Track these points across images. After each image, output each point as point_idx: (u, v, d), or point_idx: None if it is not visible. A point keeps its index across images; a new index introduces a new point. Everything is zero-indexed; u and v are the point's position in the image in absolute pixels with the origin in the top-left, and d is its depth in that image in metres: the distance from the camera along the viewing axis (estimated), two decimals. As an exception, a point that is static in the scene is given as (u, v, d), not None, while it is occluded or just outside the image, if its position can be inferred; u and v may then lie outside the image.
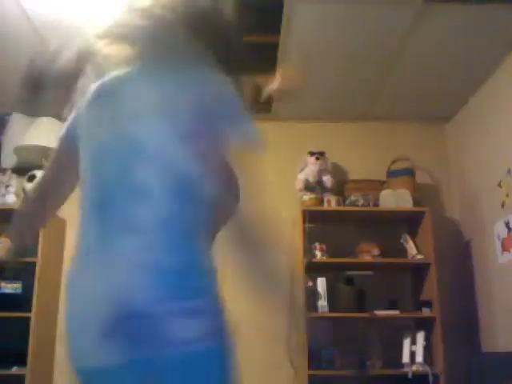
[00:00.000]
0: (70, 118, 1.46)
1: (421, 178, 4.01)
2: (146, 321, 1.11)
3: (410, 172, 3.88)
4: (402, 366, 3.42)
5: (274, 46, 3.27)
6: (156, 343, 1.11)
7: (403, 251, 3.74)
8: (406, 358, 3.42)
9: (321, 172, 3.83)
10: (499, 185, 3.45)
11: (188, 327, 1.13)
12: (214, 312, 1.21)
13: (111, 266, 1.15)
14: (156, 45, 1.38)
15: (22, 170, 3.83)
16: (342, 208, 3.73)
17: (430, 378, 3.29)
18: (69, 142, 1.44)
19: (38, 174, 3.75)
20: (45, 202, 1.66)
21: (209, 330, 1.16)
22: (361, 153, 4.14)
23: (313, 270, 3.56)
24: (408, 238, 3.77)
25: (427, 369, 3.33)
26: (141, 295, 1.12)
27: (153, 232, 1.17)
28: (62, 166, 1.52)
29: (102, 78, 1.40)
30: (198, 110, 1.26)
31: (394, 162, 3.96)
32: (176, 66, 1.35)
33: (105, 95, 1.35)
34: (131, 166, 1.22)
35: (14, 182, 3.77)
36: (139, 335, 1.12)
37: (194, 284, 1.18)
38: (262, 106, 4.01)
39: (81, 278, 1.22)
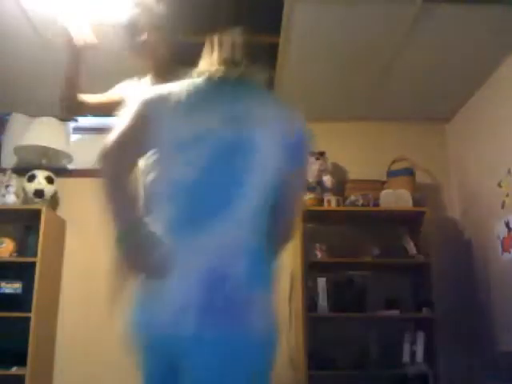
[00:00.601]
0: (148, 104, 1.47)
1: (421, 178, 4.01)
2: (236, 302, 1.30)
3: (410, 172, 3.88)
4: (402, 366, 3.42)
5: (274, 46, 3.27)
6: (241, 324, 1.29)
7: (403, 251, 3.73)
8: (406, 358, 3.42)
9: (321, 172, 3.83)
10: (499, 185, 3.45)
11: (267, 314, 1.34)
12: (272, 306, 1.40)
13: (208, 248, 1.32)
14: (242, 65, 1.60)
15: (22, 170, 3.83)
16: (342, 208, 3.73)
17: (430, 378, 3.29)
18: (145, 125, 1.45)
19: (38, 173, 3.75)
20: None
21: (275, 320, 1.38)
22: (361, 153, 4.13)
23: (313, 269, 3.56)
24: (408, 238, 3.77)
25: (427, 369, 3.33)
26: (234, 279, 1.30)
27: (245, 224, 1.38)
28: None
29: (191, 87, 1.52)
30: (286, 145, 1.52)
31: (393, 162, 3.96)
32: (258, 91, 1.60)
33: (201, 107, 1.48)
34: (239, 173, 1.42)
35: (14, 181, 3.77)
36: (227, 314, 1.28)
37: (270, 277, 1.41)
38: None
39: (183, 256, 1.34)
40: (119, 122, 1.44)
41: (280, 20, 3.01)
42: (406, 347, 3.45)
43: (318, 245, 3.66)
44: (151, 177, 1.48)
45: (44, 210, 3.58)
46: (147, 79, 2.22)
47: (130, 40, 2.14)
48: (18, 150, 3.88)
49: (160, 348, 1.34)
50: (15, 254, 3.61)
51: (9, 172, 3.80)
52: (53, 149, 3.80)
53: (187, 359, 1.29)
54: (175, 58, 2.21)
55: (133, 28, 2.12)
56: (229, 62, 1.57)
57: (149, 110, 1.45)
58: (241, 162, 1.42)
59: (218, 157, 1.41)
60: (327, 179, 3.82)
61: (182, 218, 1.38)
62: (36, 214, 3.56)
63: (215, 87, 1.53)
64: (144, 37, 2.13)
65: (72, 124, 4.17)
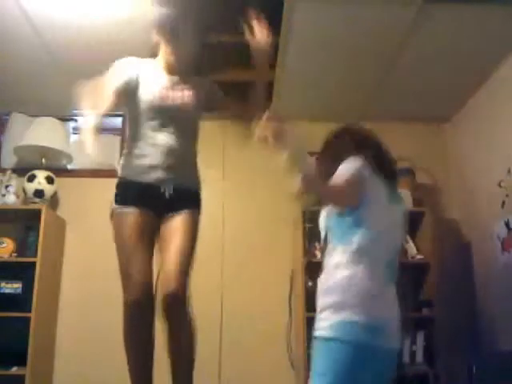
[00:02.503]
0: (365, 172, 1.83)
1: (421, 178, 4.01)
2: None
3: (410, 172, 3.88)
4: (401, 366, 3.41)
5: (274, 46, 3.26)
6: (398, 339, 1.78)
7: (403, 251, 3.73)
8: (405, 358, 3.41)
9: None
10: (499, 185, 3.45)
11: None
12: None
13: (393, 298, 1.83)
14: None
15: (22, 170, 3.83)
16: (341, 208, 3.72)
17: (430, 378, 3.29)
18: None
19: (38, 173, 3.75)
20: None
21: None
22: (361, 153, 4.13)
23: (313, 270, 3.55)
24: (408, 238, 3.77)
25: (427, 369, 3.33)
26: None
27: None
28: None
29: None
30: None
31: (393, 162, 3.96)
32: None
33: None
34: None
35: (14, 181, 3.77)
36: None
37: None
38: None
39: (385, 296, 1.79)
40: (341, 175, 1.79)
41: (280, 20, 3.01)
42: (406, 347, 3.45)
43: (318, 245, 3.66)
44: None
45: (44, 210, 3.58)
46: (157, 64, 2.23)
47: (169, 38, 2.17)
48: (18, 150, 3.88)
49: (378, 355, 1.69)
50: (15, 254, 3.61)
51: (9, 172, 3.80)
52: (53, 149, 3.80)
53: (386, 368, 1.75)
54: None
55: (175, 28, 2.16)
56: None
57: (365, 176, 1.81)
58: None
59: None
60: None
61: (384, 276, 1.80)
62: (36, 214, 3.56)
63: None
64: (185, 42, 2.19)
65: (72, 124, 4.17)
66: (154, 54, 2.25)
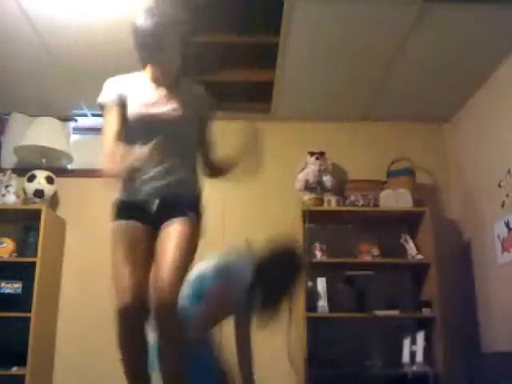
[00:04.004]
0: None
1: (421, 178, 4.01)
2: None
3: (409, 172, 3.88)
4: (402, 366, 3.41)
5: (274, 46, 3.27)
6: None
7: (403, 251, 3.74)
8: (406, 358, 3.41)
9: (321, 172, 3.83)
10: (499, 185, 3.45)
11: None
12: None
13: None
14: None
15: (22, 170, 3.83)
16: (342, 208, 3.73)
17: (430, 378, 3.29)
18: None
19: (38, 173, 3.75)
20: None
21: None
22: (361, 153, 4.14)
23: (313, 270, 3.56)
24: (408, 238, 3.77)
25: (427, 369, 3.33)
26: None
27: None
28: None
29: None
30: None
31: (393, 162, 3.96)
32: None
33: None
34: None
35: (14, 182, 3.77)
36: None
37: None
38: (262, 106, 4.02)
39: None
40: None
41: (280, 20, 3.01)
42: (406, 347, 3.45)
43: (317, 245, 3.66)
44: None
45: (44, 210, 3.58)
46: (145, 77, 2.17)
47: (153, 53, 2.08)
48: (18, 150, 3.88)
49: None
50: (15, 254, 3.61)
51: (9, 172, 3.80)
52: (53, 149, 3.80)
53: None
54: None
55: (160, 41, 2.04)
56: None
57: None
58: None
59: None
60: (327, 179, 3.82)
61: None
62: (36, 214, 3.56)
63: None
64: (170, 52, 2.08)
65: (72, 124, 4.18)
66: (143, 66, 2.19)
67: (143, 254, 2.00)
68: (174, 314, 1.91)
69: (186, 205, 2.09)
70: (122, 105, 2.10)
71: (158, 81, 2.15)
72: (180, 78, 2.20)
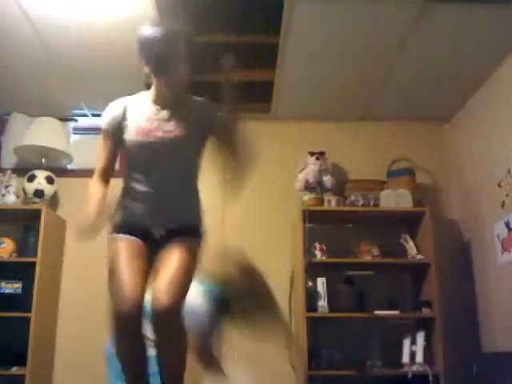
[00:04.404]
0: None
1: (421, 178, 4.01)
2: None
3: (409, 172, 3.88)
4: (402, 366, 3.42)
5: (274, 46, 3.27)
6: None
7: (403, 251, 3.73)
8: (405, 358, 3.42)
9: (321, 172, 3.83)
10: (499, 185, 3.45)
11: None
12: None
13: None
14: None
15: (22, 170, 3.83)
16: (342, 208, 3.73)
17: (430, 378, 3.29)
18: None
19: (38, 173, 3.75)
20: None
21: None
22: (361, 153, 4.14)
23: (313, 269, 3.56)
24: (408, 238, 3.77)
25: (427, 369, 3.33)
26: None
27: None
28: None
29: None
30: None
31: (394, 162, 3.96)
32: None
33: None
34: None
35: (14, 182, 3.77)
36: None
37: None
38: (262, 106, 4.02)
39: None
40: None
41: (280, 20, 3.01)
42: (406, 347, 3.45)
43: (317, 245, 3.66)
44: None
45: (44, 210, 3.58)
46: (148, 98, 2.10)
47: (161, 69, 2.01)
48: (18, 150, 3.88)
49: None
50: (15, 254, 3.61)
51: (9, 172, 3.80)
52: (53, 149, 3.80)
53: None
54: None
55: (171, 52, 1.98)
56: None
57: None
58: None
59: None
60: (327, 179, 3.82)
61: None
62: (36, 213, 3.56)
63: None
64: (177, 69, 2.01)
65: (72, 124, 4.18)
66: (147, 85, 2.11)
67: (142, 265, 1.99)
68: (176, 329, 1.92)
69: (190, 229, 2.08)
70: (117, 136, 2.06)
71: (161, 101, 2.06)
72: (184, 97, 2.12)
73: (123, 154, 2.11)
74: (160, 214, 2.03)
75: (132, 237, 2.02)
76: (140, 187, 2.03)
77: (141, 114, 2.06)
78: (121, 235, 2.03)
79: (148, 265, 2.01)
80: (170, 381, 1.96)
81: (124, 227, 2.04)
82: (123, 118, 2.06)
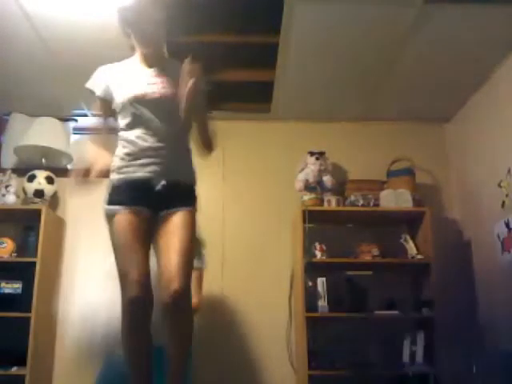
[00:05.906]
0: None
1: (421, 178, 4.01)
2: None
3: (410, 172, 3.88)
4: (402, 366, 3.42)
5: (274, 46, 3.27)
6: None
7: (403, 251, 3.73)
8: (405, 358, 3.42)
9: (321, 172, 3.83)
10: (499, 185, 3.45)
11: None
12: None
13: None
14: None
15: (22, 170, 3.83)
16: (341, 208, 3.73)
17: (430, 378, 3.29)
18: None
19: (38, 173, 3.75)
20: None
21: None
22: (361, 153, 4.14)
23: (313, 270, 3.56)
24: (408, 238, 3.77)
25: (427, 369, 3.33)
26: None
27: None
28: None
29: None
30: None
31: (394, 162, 3.96)
32: None
33: None
34: None
35: (14, 182, 3.77)
36: None
37: None
38: (262, 106, 4.02)
39: None
40: None
41: (280, 20, 3.01)
42: (406, 347, 3.45)
43: (317, 245, 3.66)
44: None
45: (44, 210, 3.58)
46: (135, 61, 2.20)
47: (137, 27, 2.13)
48: (18, 150, 3.88)
49: None
50: (15, 254, 3.61)
51: (9, 172, 3.80)
52: (53, 149, 3.80)
53: None
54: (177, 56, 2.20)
55: (142, 15, 2.11)
56: None
57: None
58: None
59: None
60: (327, 179, 3.82)
61: None
62: (36, 213, 3.56)
63: None
64: (152, 26, 2.13)
65: (72, 124, 4.17)
66: (132, 50, 2.23)
67: (144, 240, 2.01)
68: (187, 303, 1.94)
69: (187, 193, 2.11)
70: (108, 97, 2.14)
71: (147, 61, 2.17)
72: (167, 60, 2.27)
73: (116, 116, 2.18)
74: (162, 164, 2.07)
75: (130, 207, 2.02)
76: (136, 145, 2.08)
77: (132, 75, 2.15)
78: (118, 207, 2.02)
79: (149, 238, 2.04)
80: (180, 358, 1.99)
81: (122, 189, 2.05)
82: (114, 82, 2.14)
